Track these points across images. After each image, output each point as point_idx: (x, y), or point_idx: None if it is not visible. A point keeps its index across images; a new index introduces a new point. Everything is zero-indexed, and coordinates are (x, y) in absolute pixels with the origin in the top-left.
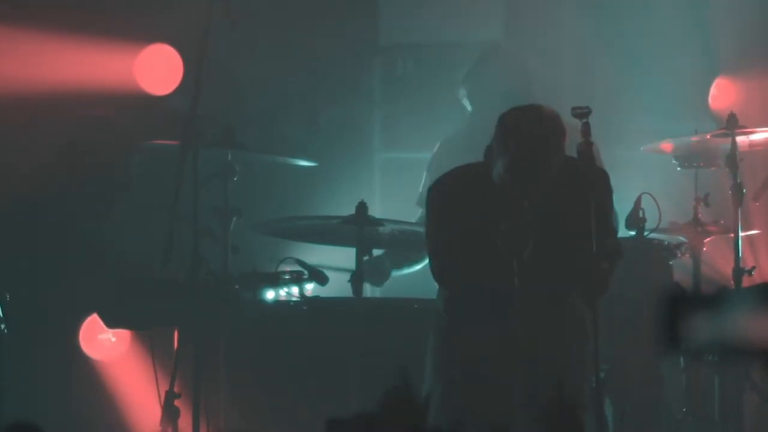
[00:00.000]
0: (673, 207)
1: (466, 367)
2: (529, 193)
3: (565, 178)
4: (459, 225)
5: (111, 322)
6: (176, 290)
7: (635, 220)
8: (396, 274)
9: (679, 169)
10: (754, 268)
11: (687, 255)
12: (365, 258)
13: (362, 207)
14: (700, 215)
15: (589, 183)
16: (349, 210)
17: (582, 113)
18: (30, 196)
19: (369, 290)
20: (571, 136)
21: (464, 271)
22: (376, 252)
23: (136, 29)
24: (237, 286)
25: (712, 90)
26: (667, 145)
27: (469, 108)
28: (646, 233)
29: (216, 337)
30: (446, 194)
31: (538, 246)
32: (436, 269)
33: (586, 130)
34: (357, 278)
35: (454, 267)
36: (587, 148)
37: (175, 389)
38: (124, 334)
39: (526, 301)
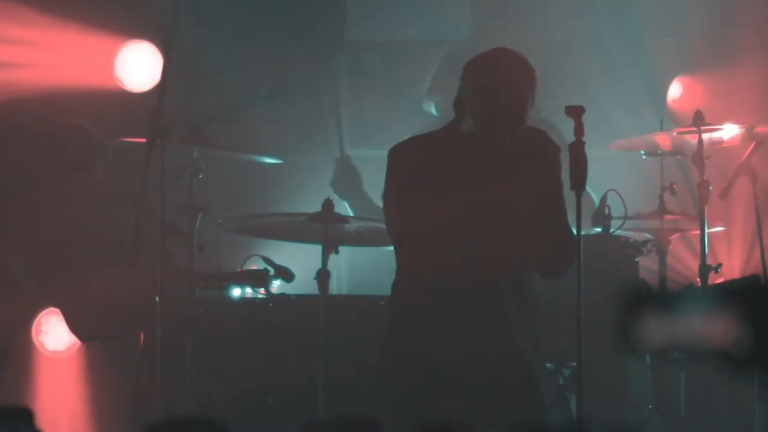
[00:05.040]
0: (639, 204)
1: (419, 362)
2: (503, 137)
3: (522, 148)
4: (421, 183)
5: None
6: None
7: (601, 217)
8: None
9: (645, 157)
10: (720, 265)
11: (653, 252)
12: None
13: (328, 204)
14: (666, 204)
15: (545, 156)
16: (315, 207)
17: (575, 112)
18: None
19: (335, 287)
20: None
21: (423, 229)
22: (343, 248)
23: (116, 26)
24: (203, 284)
25: (671, 89)
26: (633, 142)
27: (437, 115)
28: (612, 230)
29: (182, 334)
30: (408, 154)
31: (495, 207)
32: (394, 228)
33: (579, 129)
34: (323, 275)
35: (414, 225)
36: (580, 146)
37: (141, 386)
38: None
39: (482, 273)
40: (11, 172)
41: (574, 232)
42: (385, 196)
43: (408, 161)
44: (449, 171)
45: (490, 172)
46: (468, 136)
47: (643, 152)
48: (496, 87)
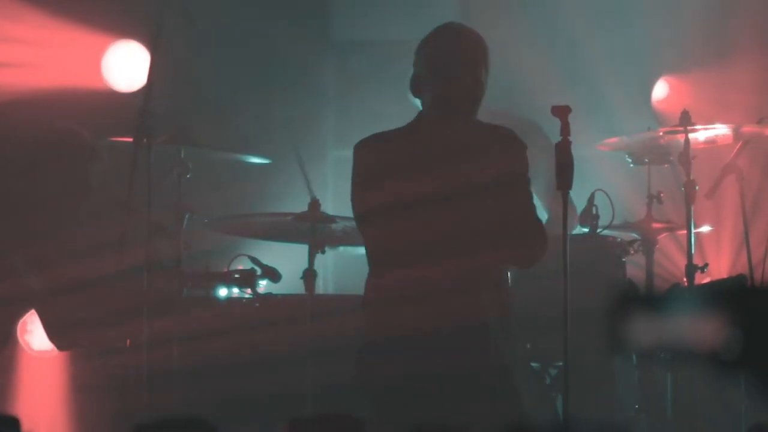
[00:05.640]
0: (626, 204)
1: (392, 364)
2: (462, 116)
3: (486, 141)
4: (384, 179)
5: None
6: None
7: (588, 217)
8: None
9: (632, 166)
10: (706, 265)
11: (640, 252)
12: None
13: (315, 204)
14: (653, 212)
15: (511, 152)
16: (302, 207)
17: (562, 112)
18: None
19: (321, 287)
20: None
21: (388, 225)
22: (329, 250)
23: (103, 24)
24: (189, 284)
25: (657, 89)
26: (620, 142)
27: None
28: (599, 230)
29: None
30: (371, 149)
31: (452, 196)
32: (359, 225)
33: (565, 129)
34: (309, 275)
35: (378, 221)
36: (566, 146)
37: (128, 386)
38: None
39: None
40: (7, 176)
41: (558, 230)
42: (351, 193)
43: (371, 156)
44: (412, 165)
45: (453, 166)
46: (430, 129)
47: (629, 159)
48: (449, 65)
